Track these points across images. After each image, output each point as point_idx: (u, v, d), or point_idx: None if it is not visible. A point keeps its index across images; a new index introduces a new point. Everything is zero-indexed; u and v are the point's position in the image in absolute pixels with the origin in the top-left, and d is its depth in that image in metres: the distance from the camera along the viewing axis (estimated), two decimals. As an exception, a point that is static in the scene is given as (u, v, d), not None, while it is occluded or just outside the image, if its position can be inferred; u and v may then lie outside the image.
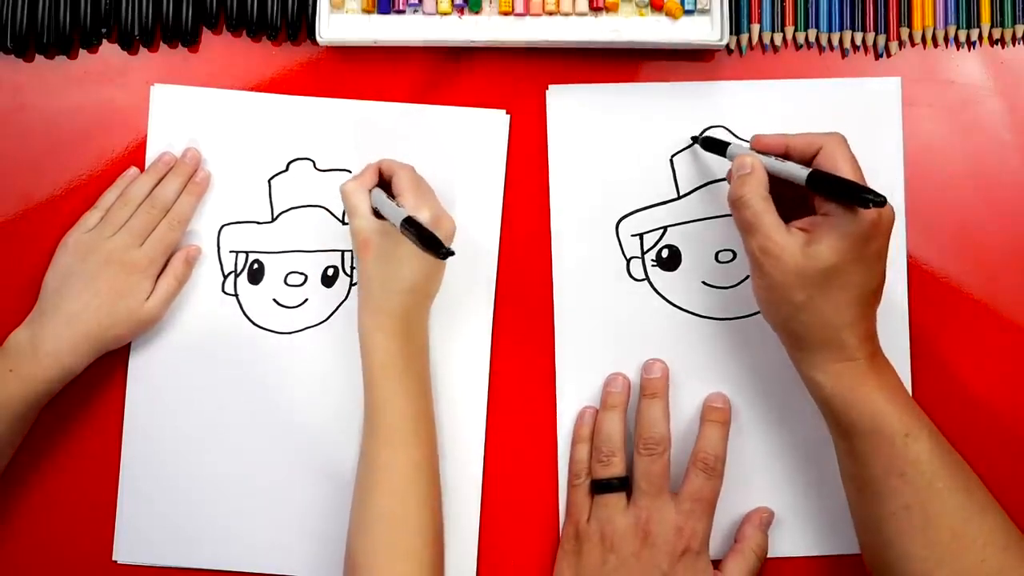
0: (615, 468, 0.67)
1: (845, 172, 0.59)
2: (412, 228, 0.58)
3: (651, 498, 0.66)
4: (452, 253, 0.57)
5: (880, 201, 0.55)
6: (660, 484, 0.66)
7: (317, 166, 0.72)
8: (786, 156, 0.63)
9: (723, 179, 0.71)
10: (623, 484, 0.67)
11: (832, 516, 0.69)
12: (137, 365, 0.71)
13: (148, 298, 0.69)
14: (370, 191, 0.66)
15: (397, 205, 0.63)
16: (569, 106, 0.72)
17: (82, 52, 0.73)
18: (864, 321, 0.60)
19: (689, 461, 0.67)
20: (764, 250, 0.60)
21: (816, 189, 0.59)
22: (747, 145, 0.66)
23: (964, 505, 0.59)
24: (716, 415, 0.69)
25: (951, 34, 0.72)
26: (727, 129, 0.71)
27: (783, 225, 0.60)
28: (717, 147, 0.69)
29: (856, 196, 0.56)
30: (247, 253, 0.72)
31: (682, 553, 0.65)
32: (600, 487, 0.67)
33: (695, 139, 0.71)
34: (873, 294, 0.60)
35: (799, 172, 0.60)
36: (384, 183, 0.67)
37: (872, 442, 0.60)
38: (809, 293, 0.59)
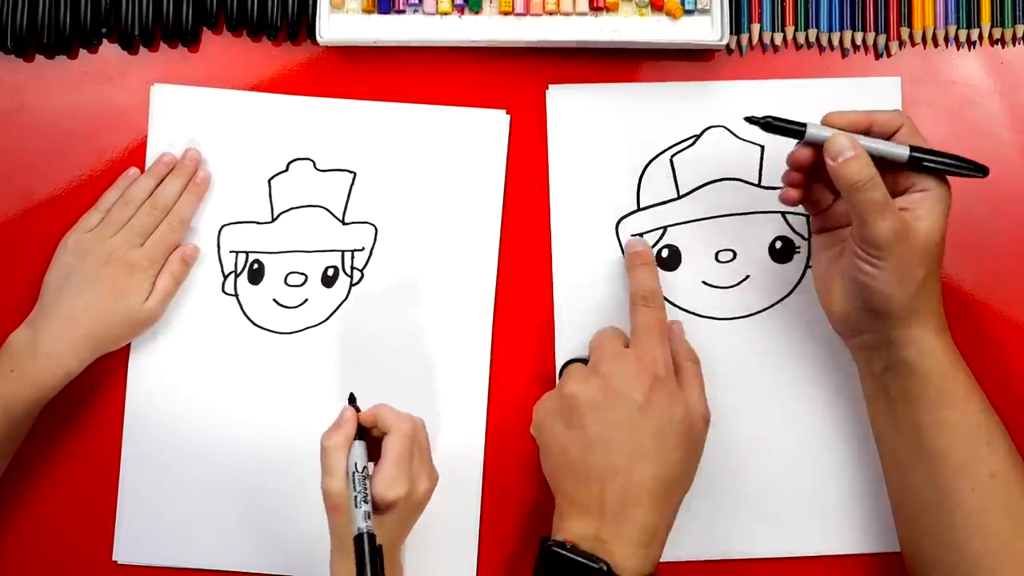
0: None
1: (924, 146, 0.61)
2: (359, 549, 0.56)
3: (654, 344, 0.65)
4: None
5: (986, 169, 0.60)
6: (660, 332, 0.65)
7: (317, 166, 0.72)
8: (867, 133, 0.61)
9: (724, 179, 0.71)
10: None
11: (832, 516, 0.69)
12: (137, 365, 0.71)
13: (147, 298, 0.69)
14: (351, 446, 0.61)
15: (365, 479, 0.59)
16: (569, 106, 0.72)
17: (82, 52, 0.73)
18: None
19: (629, 304, 0.67)
20: (896, 232, 0.58)
21: (917, 166, 0.60)
22: (820, 125, 0.61)
23: None
24: (640, 258, 0.69)
25: (951, 34, 0.72)
26: (727, 129, 0.71)
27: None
28: (786, 130, 0.61)
29: (966, 168, 0.60)
30: (247, 253, 0.72)
31: (651, 383, 0.63)
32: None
33: (752, 120, 0.62)
34: None
35: (898, 151, 0.60)
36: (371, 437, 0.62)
37: (967, 409, 0.61)
38: (928, 268, 0.60)
